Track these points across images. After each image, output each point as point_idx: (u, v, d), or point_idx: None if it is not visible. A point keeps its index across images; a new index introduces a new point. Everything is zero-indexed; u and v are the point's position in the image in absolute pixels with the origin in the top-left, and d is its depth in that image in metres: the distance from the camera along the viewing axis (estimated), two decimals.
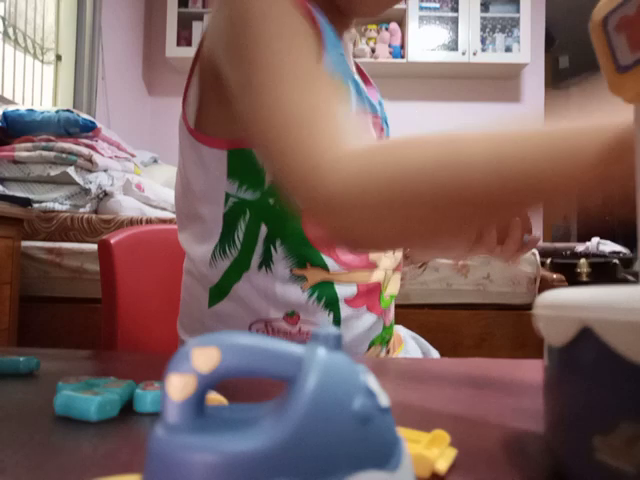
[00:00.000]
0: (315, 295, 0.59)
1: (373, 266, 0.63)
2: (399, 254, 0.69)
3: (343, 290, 0.60)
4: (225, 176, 0.58)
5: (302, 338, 0.59)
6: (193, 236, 0.63)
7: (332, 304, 0.59)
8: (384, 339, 0.66)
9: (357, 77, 0.64)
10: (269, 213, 0.58)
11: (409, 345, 0.76)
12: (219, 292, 0.60)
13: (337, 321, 0.60)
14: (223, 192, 0.59)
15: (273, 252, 0.58)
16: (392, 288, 0.67)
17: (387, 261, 0.65)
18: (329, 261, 0.59)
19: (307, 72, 0.46)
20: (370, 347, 0.64)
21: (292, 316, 0.59)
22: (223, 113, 0.55)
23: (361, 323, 0.61)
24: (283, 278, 0.58)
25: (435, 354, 0.77)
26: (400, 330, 0.79)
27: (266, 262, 0.58)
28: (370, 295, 0.63)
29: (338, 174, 0.40)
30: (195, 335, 0.64)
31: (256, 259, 0.58)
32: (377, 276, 0.63)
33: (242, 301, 0.59)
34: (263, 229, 0.58)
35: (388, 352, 0.69)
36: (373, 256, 0.63)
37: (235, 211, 0.59)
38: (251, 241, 0.58)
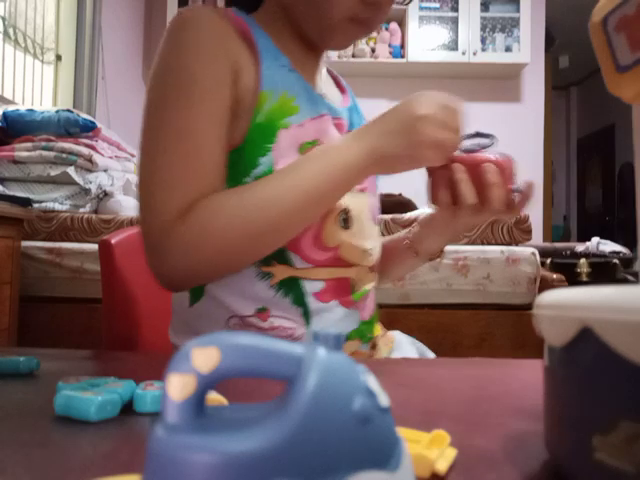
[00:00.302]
0: (282, 291, 0.61)
1: (343, 263, 0.64)
2: (377, 255, 0.70)
3: (310, 285, 0.62)
4: None
5: (274, 333, 0.60)
6: None
7: (300, 299, 0.61)
8: (363, 334, 0.67)
9: (317, 86, 0.69)
10: None
11: (405, 348, 0.75)
12: (196, 291, 0.63)
13: (306, 315, 0.61)
14: None
15: None
16: (365, 284, 0.68)
17: (362, 259, 0.67)
18: (295, 258, 0.61)
19: (185, 142, 0.55)
20: (346, 341, 0.64)
21: (263, 312, 0.61)
22: None
23: (332, 316, 0.63)
24: (251, 275, 0.60)
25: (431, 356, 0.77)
26: (396, 334, 0.78)
27: None
28: (340, 290, 0.64)
29: (177, 235, 0.54)
30: (182, 335, 0.65)
31: None
32: (348, 272, 0.65)
33: (216, 299, 0.61)
34: None
35: (374, 348, 0.69)
36: (344, 253, 0.64)
37: None
38: None
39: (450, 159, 0.60)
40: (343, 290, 0.65)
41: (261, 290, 0.61)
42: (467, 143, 0.63)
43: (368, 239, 0.68)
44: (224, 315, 0.61)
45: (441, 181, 0.62)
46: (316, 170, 0.55)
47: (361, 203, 0.68)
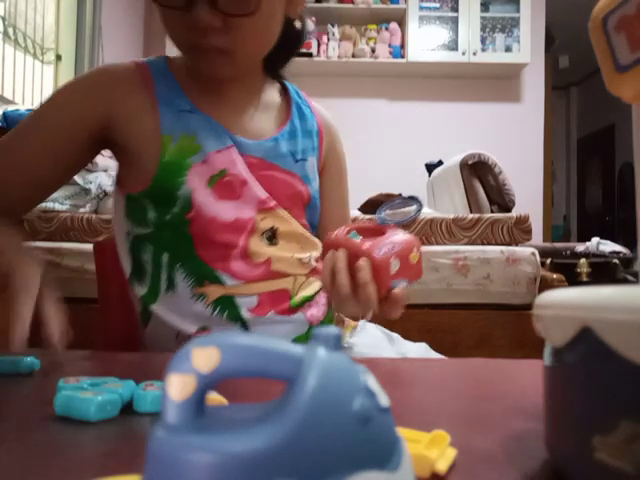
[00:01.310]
0: (218, 309, 0.66)
1: (277, 275, 0.68)
2: (313, 261, 0.73)
3: (244, 301, 0.66)
4: (124, 216, 0.70)
5: None
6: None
7: (236, 315, 0.66)
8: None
9: (226, 118, 0.70)
10: (167, 243, 0.67)
11: (370, 331, 0.77)
12: (144, 315, 0.70)
13: (245, 328, 0.66)
14: (125, 230, 0.71)
15: (175, 275, 0.67)
16: (305, 291, 0.71)
17: (297, 268, 0.70)
18: (225, 278, 0.66)
19: (16, 147, 0.65)
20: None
21: (205, 330, 0.66)
22: (121, 170, 0.71)
23: (272, 326, 0.67)
24: (187, 297, 0.66)
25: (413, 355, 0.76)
26: (369, 325, 0.80)
27: (171, 285, 0.67)
28: (276, 300, 0.68)
29: None
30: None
31: (163, 284, 0.67)
32: (284, 283, 0.68)
33: (162, 320, 0.67)
34: (165, 257, 0.67)
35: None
36: (277, 266, 0.68)
37: (136, 245, 0.69)
38: (158, 269, 0.68)
39: (339, 243, 0.56)
40: (280, 300, 0.68)
41: (199, 310, 0.66)
42: (388, 211, 0.59)
43: (303, 251, 0.71)
44: (172, 333, 0.67)
45: (326, 264, 0.57)
46: None
47: (289, 220, 0.71)
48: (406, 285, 0.56)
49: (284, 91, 0.80)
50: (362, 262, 0.53)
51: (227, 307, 0.66)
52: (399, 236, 0.57)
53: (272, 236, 0.69)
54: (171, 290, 0.67)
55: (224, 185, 0.66)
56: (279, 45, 0.68)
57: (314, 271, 0.73)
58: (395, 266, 0.54)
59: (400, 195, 0.64)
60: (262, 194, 0.68)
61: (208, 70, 0.65)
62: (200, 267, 0.66)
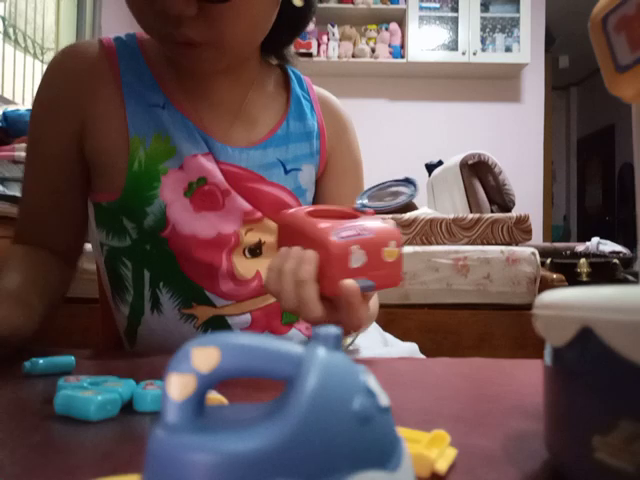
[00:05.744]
0: (209, 332, 0.60)
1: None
2: None
3: (236, 321, 0.60)
4: (95, 225, 0.64)
5: None
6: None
7: None
8: None
9: (205, 117, 0.62)
10: (148, 259, 0.61)
11: (370, 333, 0.73)
12: (130, 337, 0.64)
13: None
14: (98, 240, 0.64)
15: (160, 295, 0.60)
16: None
17: None
18: (215, 299, 0.60)
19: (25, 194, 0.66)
20: None
21: None
22: (91, 174, 0.63)
23: None
24: (174, 318, 0.60)
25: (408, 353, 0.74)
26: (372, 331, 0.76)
27: (156, 305, 0.61)
28: (269, 318, 0.62)
29: None
30: None
31: (147, 304, 0.61)
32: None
33: (149, 343, 0.62)
34: (146, 274, 0.61)
35: None
36: None
37: (113, 259, 0.63)
38: (139, 286, 0.61)
39: (292, 221, 0.46)
40: (273, 315, 0.62)
41: (187, 332, 0.60)
42: (374, 196, 0.50)
43: None
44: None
45: (274, 261, 0.46)
46: None
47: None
48: (372, 289, 0.43)
49: (285, 80, 0.69)
50: (309, 254, 0.42)
51: (219, 328, 0.60)
52: (372, 222, 0.45)
53: (253, 249, 0.62)
54: (157, 311, 0.61)
55: (204, 194, 0.59)
56: (281, 24, 0.59)
57: None
58: (358, 258, 0.42)
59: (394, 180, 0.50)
60: (247, 205, 0.61)
61: (189, 65, 0.56)
62: (187, 286, 0.59)
